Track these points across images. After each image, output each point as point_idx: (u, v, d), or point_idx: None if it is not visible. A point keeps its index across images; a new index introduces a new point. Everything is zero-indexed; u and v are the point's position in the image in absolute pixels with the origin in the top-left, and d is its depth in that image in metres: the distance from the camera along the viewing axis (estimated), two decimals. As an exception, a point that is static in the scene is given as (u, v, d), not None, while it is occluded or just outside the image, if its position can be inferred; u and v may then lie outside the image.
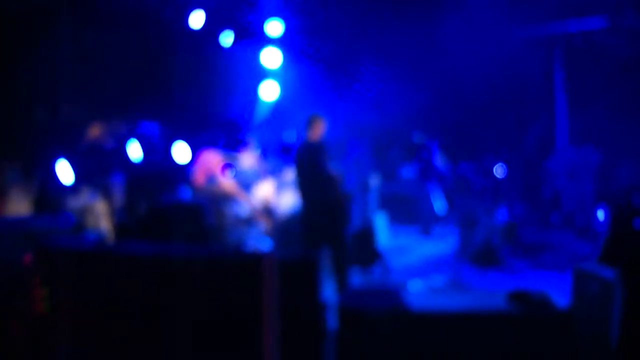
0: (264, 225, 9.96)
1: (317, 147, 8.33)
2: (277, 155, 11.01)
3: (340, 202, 8.37)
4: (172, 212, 8.95)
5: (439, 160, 12.72)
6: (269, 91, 12.22)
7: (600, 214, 11.05)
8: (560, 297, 5.46)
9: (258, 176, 10.25)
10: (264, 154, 10.83)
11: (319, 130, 8.44)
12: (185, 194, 9.61)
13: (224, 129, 10.67)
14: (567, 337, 4.67)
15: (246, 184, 10.01)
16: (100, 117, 9.49)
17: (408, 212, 13.26)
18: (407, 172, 14.11)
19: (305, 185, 8.51)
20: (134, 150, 9.52)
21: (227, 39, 11.84)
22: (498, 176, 11.18)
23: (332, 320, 4.79)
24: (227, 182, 9.53)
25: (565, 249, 10.69)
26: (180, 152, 9.90)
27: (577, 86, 13.76)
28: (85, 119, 9.46)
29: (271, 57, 12.08)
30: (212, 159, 9.64)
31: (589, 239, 10.82)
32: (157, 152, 10.23)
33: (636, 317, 4.69)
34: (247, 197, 9.69)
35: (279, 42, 12.18)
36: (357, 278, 9.08)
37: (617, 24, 12.53)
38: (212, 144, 9.96)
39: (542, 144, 14.18)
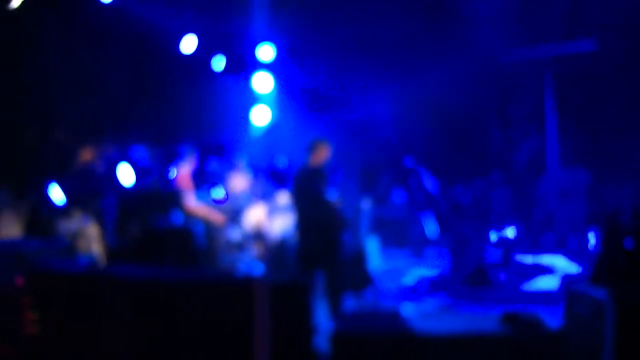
0: (255, 249, 9.95)
1: (316, 172, 8.32)
2: (269, 179, 11.01)
3: (336, 228, 8.36)
4: (163, 236, 8.94)
5: (430, 184, 12.74)
6: (261, 116, 12.25)
7: (591, 235, 11.08)
8: (552, 318, 5.47)
9: (250, 200, 10.24)
10: (255, 178, 10.83)
11: (321, 155, 8.42)
12: (177, 218, 9.59)
13: (213, 151, 10.69)
14: (558, 357, 4.67)
15: (238, 209, 10.00)
16: (91, 140, 9.49)
17: (399, 236, 13.26)
18: (398, 196, 14.13)
19: (302, 209, 8.49)
20: (125, 174, 9.51)
21: (219, 63, 11.88)
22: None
23: (324, 345, 4.78)
24: (194, 204, 9.46)
25: (558, 270, 10.70)
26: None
27: (567, 108, 13.82)
28: (76, 142, 9.46)
29: (263, 82, 12.12)
30: (185, 176, 9.60)
31: (581, 259, 10.82)
32: (149, 175, 10.23)
33: (628, 337, 4.69)
34: (219, 217, 9.61)
35: (270, 67, 12.23)
36: (349, 302, 9.06)
37: (605, 48, 12.62)
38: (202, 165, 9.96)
39: (532, 165, 14.23)
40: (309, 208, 8.37)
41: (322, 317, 7.27)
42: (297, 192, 8.56)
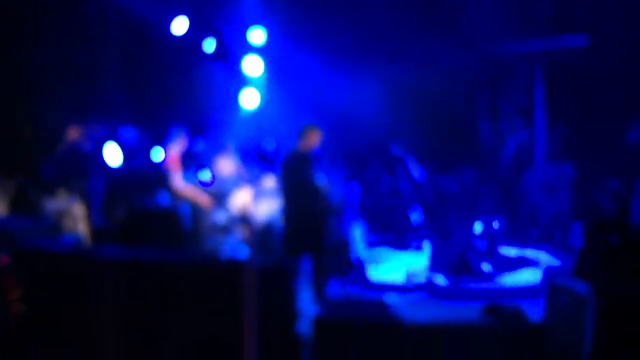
0: (241, 232, 9.96)
1: (304, 157, 8.33)
2: (256, 162, 11.01)
3: (322, 214, 8.38)
4: (148, 217, 8.94)
5: (416, 173, 12.75)
6: (250, 99, 12.22)
7: (576, 229, 11.13)
8: (534, 310, 5.51)
9: (236, 184, 10.24)
10: (243, 161, 10.82)
11: (311, 140, 8.44)
12: (164, 199, 9.59)
13: (201, 133, 10.67)
14: (539, 350, 4.71)
15: (224, 191, 10.00)
16: (79, 120, 9.45)
17: (385, 224, 13.28)
18: (385, 184, 14.15)
19: (289, 193, 8.51)
20: (113, 154, 9.49)
21: (209, 46, 11.83)
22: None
23: (307, 329, 4.80)
24: (182, 185, 9.47)
25: (541, 263, 10.75)
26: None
27: (555, 102, 13.84)
28: (63, 121, 9.42)
29: (253, 65, 12.09)
30: (174, 158, 9.60)
31: (565, 253, 10.87)
32: (136, 156, 10.21)
33: (608, 330, 4.74)
34: (206, 199, 9.62)
35: (261, 50, 12.20)
36: (333, 288, 9.08)
37: (596, 43, 12.65)
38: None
39: (520, 159, 14.25)
40: (296, 192, 8.40)
41: (306, 302, 7.30)
42: (285, 176, 8.58)
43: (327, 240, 8.55)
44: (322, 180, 8.36)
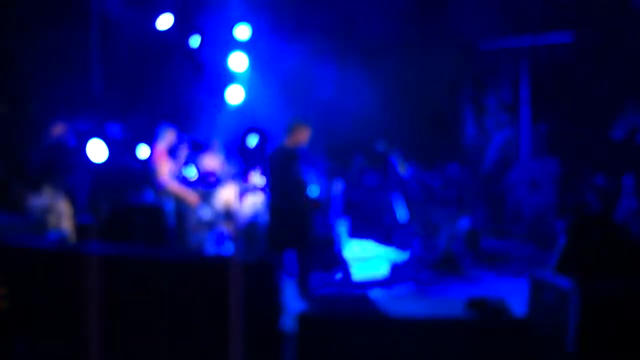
0: (225, 228, 9.95)
1: (291, 153, 8.33)
2: (240, 159, 11.00)
3: (308, 209, 8.39)
4: (133, 214, 8.91)
5: (401, 168, 12.77)
6: (235, 95, 12.22)
7: (559, 224, 11.17)
8: (519, 305, 5.53)
9: (221, 180, 10.24)
10: (227, 157, 10.82)
11: (299, 137, 8.45)
12: (149, 195, 9.56)
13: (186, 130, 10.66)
14: (523, 344, 4.73)
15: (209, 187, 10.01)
16: (63, 115, 9.42)
17: (370, 219, 13.30)
18: (370, 179, 14.15)
19: (275, 188, 8.51)
20: (98, 150, 9.47)
21: (195, 42, 11.82)
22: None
23: (291, 324, 4.81)
24: (168, 182, 9.45)
25: (525, 258, 10.79)
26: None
27: (540, 98, 13.89)
28: (47, 116, 9.39)
29: (238, 61, 12.08)
30: (161, 154, 9.58)
31: (548, 248, 10.92)
32: (121, 152, 10.19)
33: (591, 325, 4.77)
34: (193, 197, 9.60)
35: (246, 46, 12.19)
36: (318, 283, 9.09)
37: (580, 39, 12.71)
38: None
39: (505, 155, 14.30)
40: (282, 188, 8.40)
41: (290, 298, 7.30)
42: (271, 171, 8.58)
43: (312, 235, 8.56)
44: (308, 177, 8.36)
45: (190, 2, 11.95)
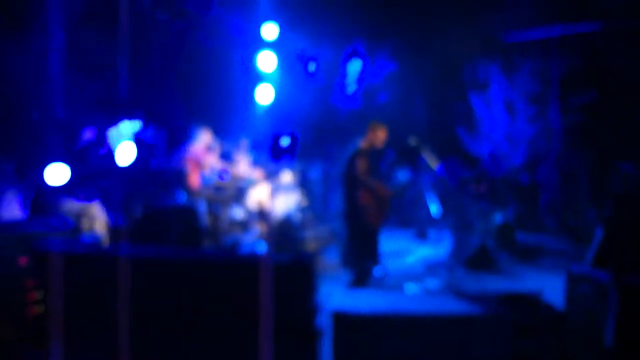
0: (259, 229, 9.96)
1: (363, 154, 8.50)
2: (271, 158, 11.01)
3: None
4: (166, 215, 8.95)
5: (433, 164, 12.71)
6: (264, 95, 12.23)
7: (595, 217, 11.06)
8: (557, 299, 5.47)
9: (253, 180, 10.25)
10: (258, 157, 10.84)
11: (375, 138, 8.58)
12: (182, 197, 9.60)
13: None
14: (560, 339, 4.68)
15: (241, 187, 10.02)
16: (95, 120, 9.47)
17: (404, 216, 13.28)
18: (403, 175, 14.10)
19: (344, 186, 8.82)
20: (130, 153, 9.51)
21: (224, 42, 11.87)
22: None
23: (325, 322, 4.80)
24: (200, 183, 9.51)
25: (561, 252, 10.70)
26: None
27: (570, 89, 13.77)
28: (79, 121, 9.44)
29: (266, 61, 12.08)
30: (194, 156, 9.63)
31: (584, 241, 10.82)
32: (154, 155, 10.23)
33: (629, 319, 4.70)
34: (225, 197, 9.69)
35: (274, 45, 12.20)
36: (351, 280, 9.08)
37: (610, 28, 12.58)
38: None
39: (535, 147, 14.19)
40: (349, 185, 8.64)
41: (324, 295, 7.29)
42: (345, 172, 8.73)
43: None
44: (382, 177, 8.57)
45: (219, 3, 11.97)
